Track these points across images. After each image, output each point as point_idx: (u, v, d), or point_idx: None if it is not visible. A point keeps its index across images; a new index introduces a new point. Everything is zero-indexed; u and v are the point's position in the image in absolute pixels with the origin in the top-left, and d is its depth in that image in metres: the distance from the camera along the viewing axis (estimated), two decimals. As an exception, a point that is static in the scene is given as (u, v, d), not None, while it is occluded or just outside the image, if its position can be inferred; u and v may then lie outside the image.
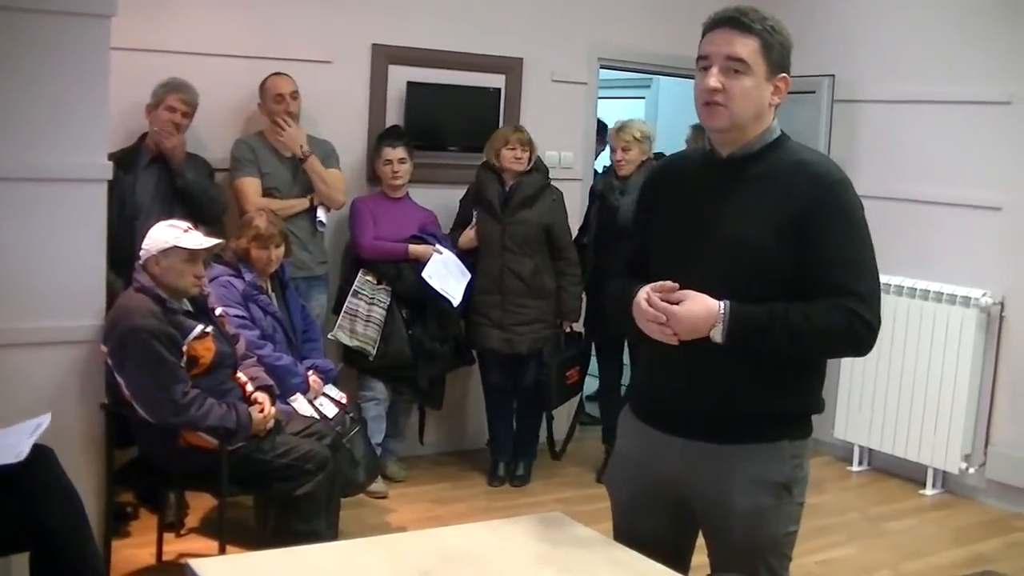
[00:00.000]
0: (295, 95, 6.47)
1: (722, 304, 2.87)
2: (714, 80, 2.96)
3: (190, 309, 4.95)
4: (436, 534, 3.36)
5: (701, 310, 2.88)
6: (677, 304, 2.90)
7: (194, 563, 2.86)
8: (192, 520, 5.94)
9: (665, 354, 2.98)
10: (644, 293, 2.98)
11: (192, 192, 5.95)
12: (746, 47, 2.94)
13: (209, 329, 4.91)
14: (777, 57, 2.98)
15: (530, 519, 3.42)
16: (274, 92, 6.45)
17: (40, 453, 4.15)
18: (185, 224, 4.98)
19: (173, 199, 5.89)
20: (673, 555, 3.18)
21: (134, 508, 5.93)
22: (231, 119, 6.61)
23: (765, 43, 2.95)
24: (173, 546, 5.59)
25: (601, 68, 8.05)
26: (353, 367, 6.66)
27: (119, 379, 4.80)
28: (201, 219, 5.71)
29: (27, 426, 4.29)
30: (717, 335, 2.87)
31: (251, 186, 6.31)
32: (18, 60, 4.76)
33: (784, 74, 3.01)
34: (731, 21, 2.97)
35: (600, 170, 8.43)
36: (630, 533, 3.29)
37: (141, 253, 4.89)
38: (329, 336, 6.45)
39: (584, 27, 7.82)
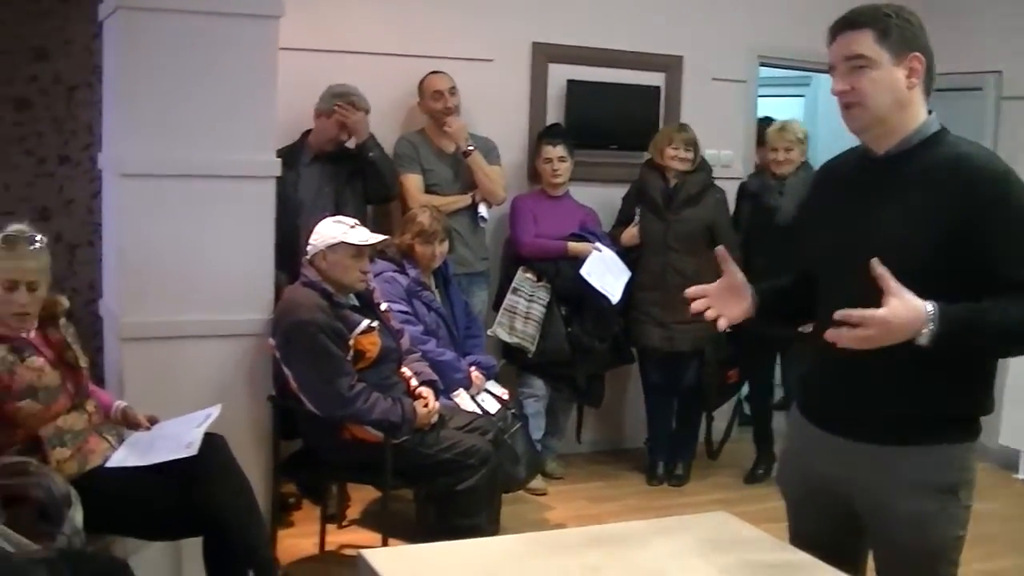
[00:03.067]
0: (453, 91, 6.53)
1: (930, 305, 2.72)
2: (840, 84, 2.91)
3: (356, 304, 5.02)
4: (600, 531, 3.34)
5: (909, 313, 2.70)
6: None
7: (366, 554, 2.89)
8: (353, 512, 6.02)
9: (830, 353, 2.92)
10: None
11: (380, 166, 6.09)
12: (861, 42, 2.88)
13: (375, 324, 4.97)
14: (898, 39, 2.90)
15: (695, 518, 3.39)
16: (432, 89, 6.52)
17: (212, 441, 4.26)
18: (352, 220, 5.06)
19: (335, 196, 5.98)
20: (846, 558, 3.11)
21: (297, 499, 6.04)
22: (391, 117, 6.69)
23: (880, 30, 2.88)
24: (335, 537, 5.67)
25: (760, 66, 7.97)
26: (512, 364, 6.67)
27: (286, 372, 4.89)
28: (386, 195, 5.83)
29: (196, 417, 4.40)
30: (924, 339, 2.74)
31: (414, 182, 6.39)
32: (191, 61, 4.91)
33: (914, 53, 2.93)
34: (844, 23, 2.93)
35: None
36: (802, 534, 3.24)
37: (308, 248, 4.98)
38: (488, 333, 6.47)
39: (743, 24, 7.75)
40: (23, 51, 5.99)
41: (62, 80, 6.08)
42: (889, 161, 2.98)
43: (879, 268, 2.68)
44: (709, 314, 3.12)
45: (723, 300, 3.17)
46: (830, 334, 2.72)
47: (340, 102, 5.98)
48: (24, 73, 6.00)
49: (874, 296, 2.71)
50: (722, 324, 3.13)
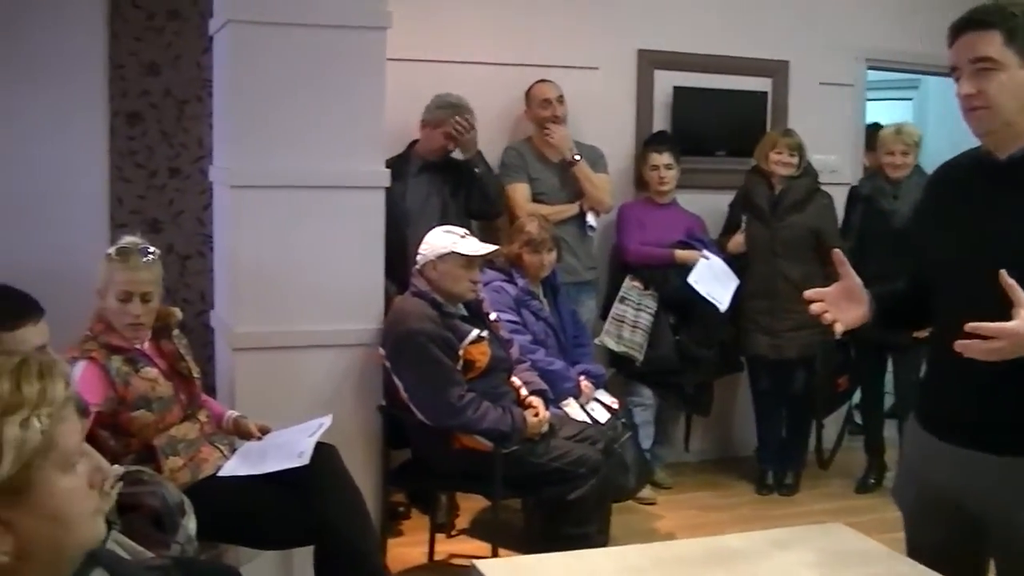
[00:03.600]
0: (561, 99, 6.51)
1: None
2: (966, 87, 2.82)
3: (465, 314, 5.02)
4: (716, 543, 3.29)
5: None
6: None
7: (480, 564, 2.87)
8: (462, 521, 6.02)
9: (951, 360, 2.85)
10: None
11: (486, 182, 6.10)
12: (989, 44, 2.79)
13: (484, 333, 4.97)
14: None
15: (811, 529, 3.34)
16: (540, 98, 6.51)
17: (324, 450, 4.28)
18: (462, 230, 5.06)
19: (442, 206, 5.99)
20: (966, 570, 3.05)
21: (406, 508, 6.05)
22: (497, 127, 6.68)
23: (1008, 31, 2.79)
24: (444, 546, 5.67)
25: (868, 69, 7.86)
26: (620, 373, 6.63)
27: (396, 382, 4.90)
28: (489, 212, 5.84)
29: (308, 426, 4.42)
30: None
31: (521, 192, 6.39)
32: (301, 73, 4.95)
33: None
34: (969, 23, 2.83)
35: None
36: (921, 546, 3.16)
37: (418, 258, 5.00)
38: (596, 341, 6.44)
39: (850, 28, 7.63)
40: (136, 66, 6.08)
41: (173, 94, 6.17)
42: (1012, 166, 2.89)
43: (1008, 279, 2.60)
44: (826, 317, 3.06)
45: (839, 304, 3.11)
46: (959, 345, 2.64)
47: (459, 118, 5.99)
48: (137, 88, 6.09)
49: (996, 301, 2.64)
50: (839, 329, 3.07)
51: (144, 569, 2.68)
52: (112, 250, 4.21)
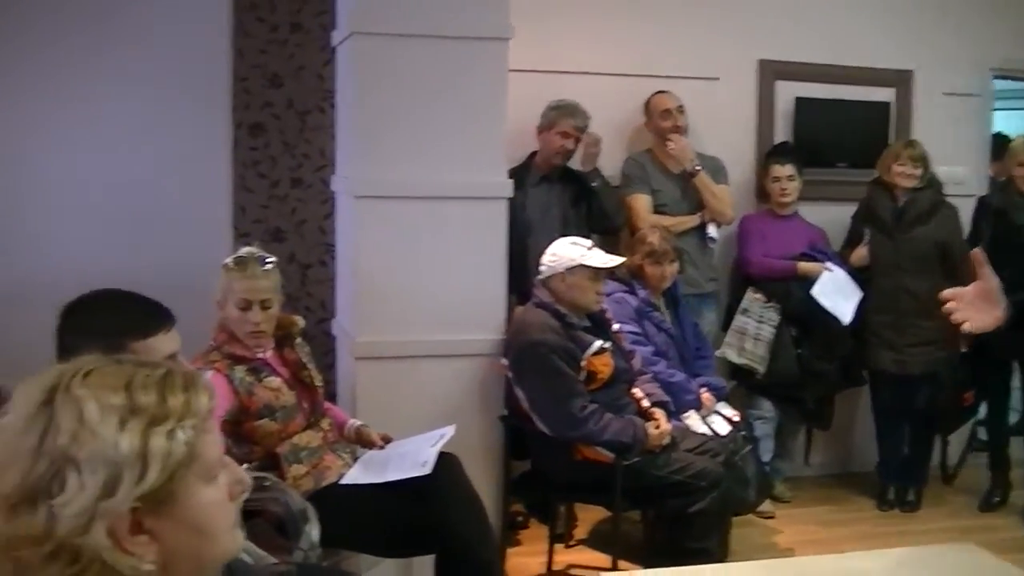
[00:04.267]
0: (681, 109, 6.48)
1: None
2: None
3: (589, 324, 5.00)
4: (841, 560, 3.25)
5: None
6: None
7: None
8: (580, 532, 6.00)
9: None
10: None
11: (604, 197, 6.09)
12: None
13: (607, 344, 4.95)
14: None
15: (940, 549, 3.29)
16: (660, 108, 6.48)
17: (446, 460, 4.29)
18: (588, 242, 5.05)
19: (562, 217, 6.00)
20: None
21: (524, 518, 6.04)
22: (617, 137, 6.66)
23: None
24: (562, 557, 5.65)
25: (994, 78, 7.71)
26: (741, 385, 6.57)
27: (518, 392, 4.90)
28: (608, 227, 5.84)
29: (431, 436, 4.44)
30: None
31: (642, 202, 6.36)
32: (423, 84, 4.99)
33: None
34: None
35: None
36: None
37: (543, 269, 4.99)
38: (717, 354, 6.38)
39: (976, 37, 7.47)
40: (259, 78, 6.15)
41: (294, 105, 6.23)
42: None
43: None
44: (956, 317, 3.00)
45: (974, 305, 3.05)
46: None
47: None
48: (260, 99, 6.17)
49: None
50: (967, 328, 3.00)
51: (270, 575, 2.71)
52: (229, 260, 4.26)
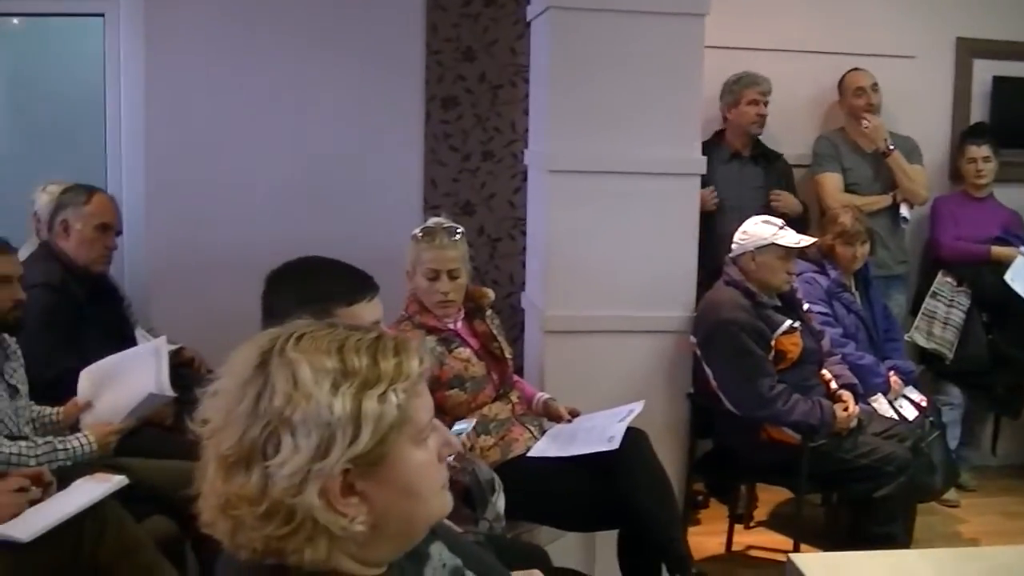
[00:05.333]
0: (875, 87, 6.37)
1: None
2: None
3: (779, 304, 4.96)
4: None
5: None
6: None
7: (796, 559, 2.84)
8: (760, 513, 5.96)
9: None
10: None
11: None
12: None
13: (797, 325, 4.91)
14: None
15: None
16: (854, 86, 6.38)
17: (634, 436, 4.27)
18: (780, 221, 5.01)
19: (752, 195, 5.94)
20: None
21: (704, 497, 6.02)
22: (809, 116, 6.59)
23: None
24: (742, 538, 5.63)
25: None
26: (929, 370, 6.44)
27: (707, 370, 4.89)
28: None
29: (619, 411, 4.43)
30: None
31: (833, 182, 6.28)
32: (618, 59, 5.00)
33: None
34: None
35: None
36: None
37: (734, 247, 4.98)
38: (905, 337, 6.26)
39: None
40: (452, 52, 6.21)
41: (487, 79, 6.27)
42: None
43: None
44: None
45: None
46: None
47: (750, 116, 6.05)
48: (453, 73, 6.22)
49: None
50: None
51: (471, 543, 2.75)
52: (418, 231, 4.32)
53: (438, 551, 1.97)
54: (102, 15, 6.12)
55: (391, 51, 6.18)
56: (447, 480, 1.76)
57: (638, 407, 4.42)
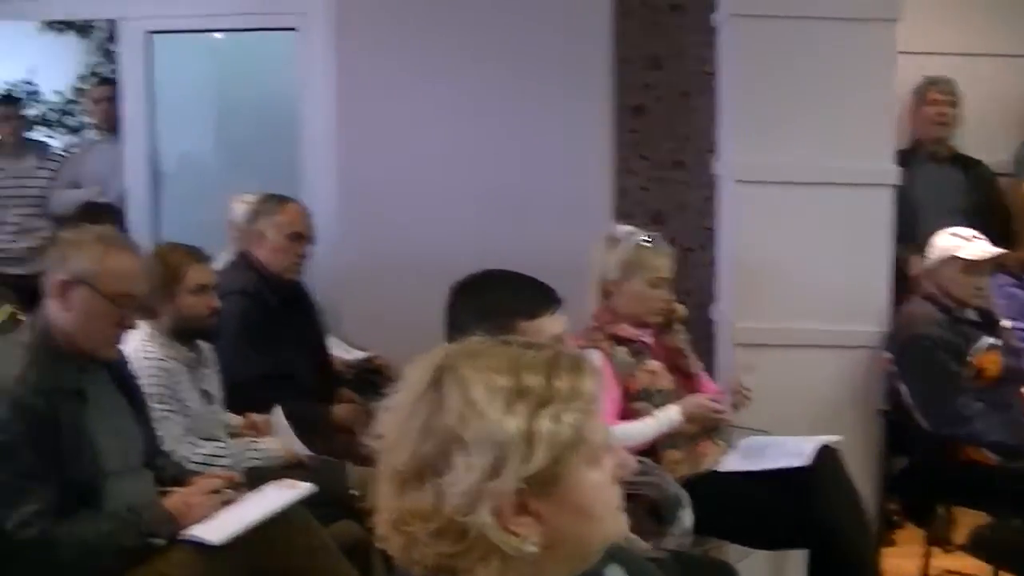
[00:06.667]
0: None
1: None
2: None
3: (977, 320, 4.80)
4: None
5: None
6: None
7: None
8: (959, 536, 5.77)
9: None
10: None
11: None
12: None
13: (996, 342, 4.75)
14: None
15: None
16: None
17: (827, 452, 4.17)
18: (971, 232, 4.86)
19: (950, 201, 5.77)
20: None
21: (899, 517, 5.86)
22: (1009, 121, 6.35)
23: None
24: (940, 561, 5.43)
25: None
26: None
27: (900, 387, 4.76)
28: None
29: (812, 439, 4.31)
30: None
31: (1034, 188, 6.06)
32: (806, 66, 4.93)
33: None
34: None
35: None
36: None
37: (924, 261, 4.84)
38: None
39: None
40: (639, 60, 6.18)
41: (675, 87, 6.22)
42: None
43: None
44: None
45: None
46: None
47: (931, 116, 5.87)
48: (639, 81, 6.19)
49: None
50: None
51: (650, 562, 2.72)
52: (642, 237, 4.29)
53: (614, 573, 1.94)
54: (295, 29, 6.27)
55: (578, 60, 6.17)
56: (622, 501, 1.73)
57: (835, 439, 4.29)
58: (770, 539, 4.24)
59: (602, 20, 6.17)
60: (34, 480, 3.17)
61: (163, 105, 6.78)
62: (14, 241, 6.83)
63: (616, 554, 1.89)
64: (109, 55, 9.08)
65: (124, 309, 3.37)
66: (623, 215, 5.94)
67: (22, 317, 4.78)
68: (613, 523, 1.71)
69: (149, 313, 3.95)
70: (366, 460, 3.82)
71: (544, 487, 1.58)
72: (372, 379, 5.01)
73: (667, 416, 4.12)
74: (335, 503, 3.84)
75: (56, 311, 3.35)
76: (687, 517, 3.81)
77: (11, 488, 3.14)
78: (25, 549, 3.04)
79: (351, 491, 3.95)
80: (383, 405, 1.67)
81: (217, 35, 7.46)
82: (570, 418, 1.59)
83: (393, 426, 1.64)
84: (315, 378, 4.81)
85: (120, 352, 3.61)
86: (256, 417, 4.30)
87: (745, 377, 4.41)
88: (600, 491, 1.66)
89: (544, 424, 1.57)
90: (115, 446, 3.45)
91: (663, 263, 4.25)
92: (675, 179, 6.23)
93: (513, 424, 1.56)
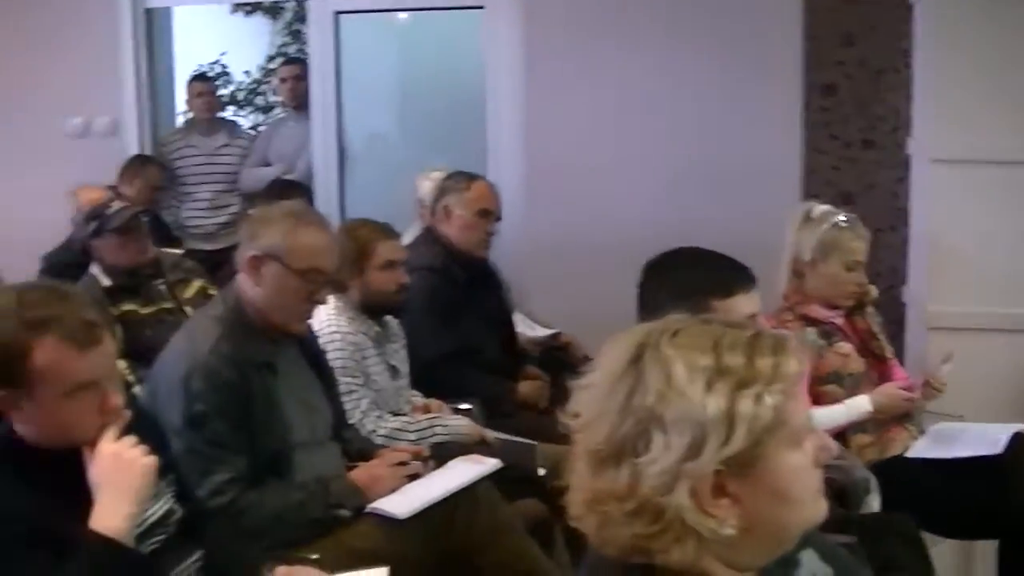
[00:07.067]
0: None
1: None
2: None
3: None
4: None
5: None
6: None
7: None
8: None
9: None
10: None
11: None
12: None
13: None
14: None
15: None
16: None
17: (1021, 440, 4.03)
18: None
19: None
20: None
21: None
22: None
23: None
24: None
25: None
26: None
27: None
28: None
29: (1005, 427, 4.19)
30: None
31: None
32: (1004, 44, 4.84)
33: None
34: None
35: None
36: None
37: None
38: None
39: None
40: (831, 36, 6.05)
41: (868, 64, 6.08)
42: None
43: None
44: None
45: None
46: None
47: None
48: (831, 58, 6.07)
49: None
50: None
51: (842, 547, 2.67)
52: (839, 218, 4.21)
53: (809, 558, 1.91)
54: (482, 7, 6.30)
55: (767, 36, 6.09)
56: (823, 485, 1.69)
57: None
58: (959, 528, 4.12)
59: (792, -1, 6.07)
60: (226, 450, 3.26)
61: (349, 84, 6.88)
62: (205, 217, 7.01)
63: (811, 538, 1.86)
64: (296, 35, 9.28)
65: (314, 284, 3.42)
66: (811, 195, 5.85)
67: (212, 291, 4.89)
68: (813, 507, 1.68)
69: (338, 288, 4.00)
70: (550, 437, 3.86)
71: (743, 469, 1.56)
72: (558, 356, 5.01)
73: (857, 406, 4.04)
74: (520, 481, 3.86)
75: (248, 286, 3.43)
76: (874, 503, 3.74)
77: (204, 457, 3.23)
78: (216, 516, 3.10)
79: (538, 470, 3.95)
80: (579, 383, 1.66)
81: (401, 15, 7.53)
82: (771, 399, 1.56)
83: (590, 404, 1.62)
84: (501, 355, 4.84)
85: (309, 326, 3.67)
86: (432, 402, 4.33)
87: (942, 368, 4.27)
88: (800, 474, 1.63)
89: (745, 405, 1.54)
90: (303, 418, 3.53)
91: (859, 245, 4.16)
92: (866, 158, 6.08)
93: (713, 404, 1.53)
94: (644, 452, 1.55)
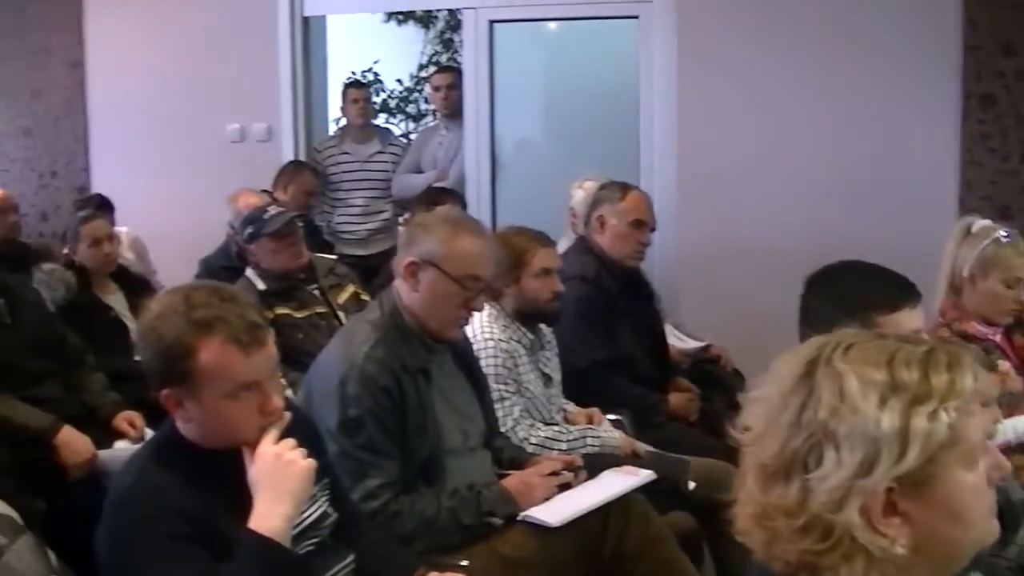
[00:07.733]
0: None
1: None
2: None
3: None
4: None
5: None
6: None
7: None
8: None
9: None
10: None
11: None
12: None
13: None
14: None
15: None
16: None
17: None
18: None
19: None
20: None
21: None
22: None
23: None
24: None
25: None
26: None
27: None
28: None
29: None
30: None
31: None
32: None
33: None
34: None
35: None
36: None
37: None
38: None
39: None
40: (991, 47, 5.97)
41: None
42: None
43: None
44: None
45: None
46: None
47: None
48: (991, 69, 5.97)
49: None
50: None
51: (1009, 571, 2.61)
52: (1001, 233, 4.11)
53: (978, 582, 1.87)
54: (636, 17, 6.31)
55: (925, 47, 6.02)
56: (995, 506, 1.66)
57: None
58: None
59: (952, 6, 5.97)
60: (380, 455, 3.27)
61: (500, 93, 6.92)
62: (358, 223, 7.09)
63: (980, 561, 1.82)
64: (448, 44, 9.35)
65: (470, 291, 3.42)
66: (968, 208, 5.74)
67: (365, 297, 4.94)
68: (985, 529, 1.64)
69: (494, 295, 4.01)
70: (698, 450, 3.83)
71: (916, 487, 1.53)
72: (708, 369, 4.97)
73: (1014, 427, 3.94)
74: (670, 494, 3.83)
75: (404, 291, 3.44)
76: (1035, 526, 3.64)
77: (358, 461, 3.25)
78: (369, 520, 3.13)
79: (689, 484, 3.92)
80: (749, 396, 1.64)
81: (551, 25, 7.55)
82: (947, 417, 1.53)
83: (761, 418, 1.61)
84: (651, 366, 4.80)
85: (464, 333, 3.68)
86: (594, 412, 4.32)
87: None
88: (974, 494, 1.58)
89: (919, 422, 1.51)
90: (456, 425, 3.53)
91: (1020, 262, 4.04)
92: (1024, 172, 5.98)
93: (887, 420, 1.51)
94: (815, 468, 1.53)
